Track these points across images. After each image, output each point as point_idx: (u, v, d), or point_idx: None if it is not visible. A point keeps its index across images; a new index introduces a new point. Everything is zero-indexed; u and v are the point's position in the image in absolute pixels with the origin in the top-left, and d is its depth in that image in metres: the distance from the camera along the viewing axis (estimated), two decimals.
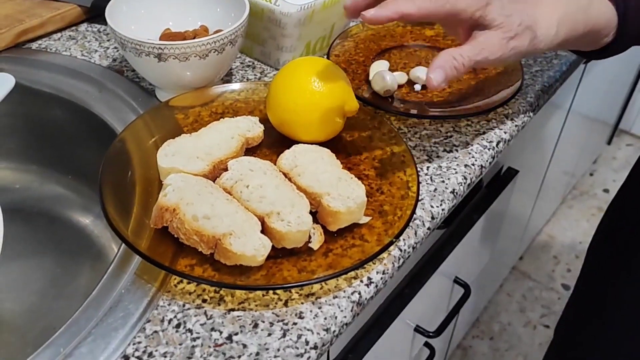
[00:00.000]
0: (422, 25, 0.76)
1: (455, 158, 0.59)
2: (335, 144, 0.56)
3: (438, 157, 0.59)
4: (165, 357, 0.42)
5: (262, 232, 0.46)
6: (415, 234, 0.51)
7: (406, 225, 0.48)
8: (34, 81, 0.66)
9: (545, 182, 1.32)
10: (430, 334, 0.83)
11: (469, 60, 0.48)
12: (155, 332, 0.43)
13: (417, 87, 0.66)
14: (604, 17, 0.53)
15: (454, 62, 0.47)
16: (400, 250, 0.50)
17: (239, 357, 0.42)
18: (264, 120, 0.58)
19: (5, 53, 0.70)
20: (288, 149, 0.54)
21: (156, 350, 0.42)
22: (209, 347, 0.43)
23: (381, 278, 0.48)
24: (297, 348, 0.43)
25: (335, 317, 0.45)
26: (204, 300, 0.45)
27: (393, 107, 0.63)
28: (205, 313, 0.45)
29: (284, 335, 0.43)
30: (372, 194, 0.52)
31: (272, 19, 0.65)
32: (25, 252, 0.65)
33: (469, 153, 0.59)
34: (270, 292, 0.46)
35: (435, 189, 0.55)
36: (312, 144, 0.55)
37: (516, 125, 0.64)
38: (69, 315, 0.44)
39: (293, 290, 0.46)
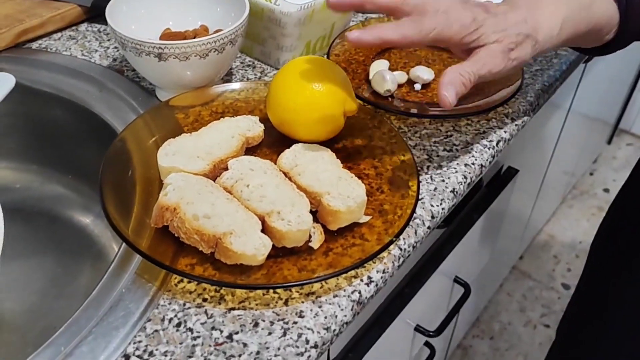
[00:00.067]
0: None
1: (456, 157, 0.59)
2: (335, 144, 0.57)
3: (438, 156, 0.59)
4: (166, 356, 0.42)
5: (263, 231, 0.47)
6: (416, 233, 0.52)
7: (406, 224, 0.48)
8: (34, 81, 0.66)
9: (545, 181, 1.32)
10: (431, 333, 0.83)
11: (474, 75, 0.48)
12: (156, 331, 0.43)
13: (417, 86, 0.66)
14: (606, 15, 0.53)
15: (462, 79, 0.47)
16: (401, 249, 0.50)
17: (240, 356, 0.42)
18: (264, 120, 0.58)
19: (5, 53, 0.70)
20: (288, 148, 0.54)
21: (157, 350, 0.42)
22: (210, 346, 0.43)
23: (381, 277, 0.48)
24: (298, 347, 0.43)
25: (336, 316, 0.45)
26: (205, 300, 0.45)
27: (393, 107, 0.63)
28: (205, 312, 0.45)
29: (284, 334, 0.43)
30: (372, 193, 0.52)
31: (272, 19, 0.65)
32: (25, 252, 0.65)
33: (469, 152, 0.60)
34: (271, 291, 0.46)
35: (435, 188, 0.55)
36: (312, 143, 0.55)
37: (516, 125, 0.64)
38: (69, 314, 0.44)
39: (293, 289, 0.46)
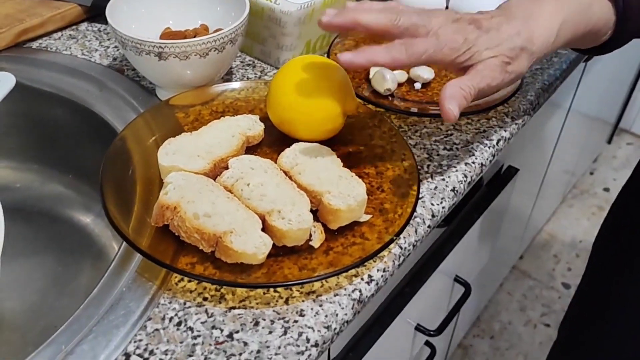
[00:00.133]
0: None
1: (456, 156, 0.59)
2: (335, 143, 0.57)
3: (438, 155, 0.59)
4: (166, 355, 0.42)
5: (263, 230, 0.47)
6: (416, 231, 0.52)
7: (406, 223, 0.48)
8: (34, 80, 0.66)
9: (545, 180, 1.32)
10: (431, 332, 0.83)
11: (474, 88, 0.48)
12: (156, 330, 0.43)
13: (417, 85, 0.66)
14: (604, 17, 0.53)
15: (462, 92, 0.47)
16: (401, 248, 0.50)
17: (240, 355, 0.42)
18: (265, 119, 0.58)
19: (5, 52, 0.70)
20: (288, 147, 0.54)
21: (157, 348, 0.42)
22: (210, 345, 0.43)
23: (382, 276, 0.48)
24: (298, 346, 0.43)
25: (336, 315, 0.45)
26: (205, 299, 0.45)
27: (393, 106, 0.63)
28: (206, 311, 0.45)
29: (284, 333, 0.43)
30: (373, 192, 0.52)
31: (272, 18, 0.65)
32: (26, 251, 0.65)
33: (469, 151, 0.60)
34: (271, 290, 0.46)
35: (436, 187, 0.55)
36: (312, 142, 0.55)
37: (516, 124, 0.64)
38: (70, 314, 0.44)
39: (294, 288, 0.46)
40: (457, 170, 0.57)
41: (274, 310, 0.45)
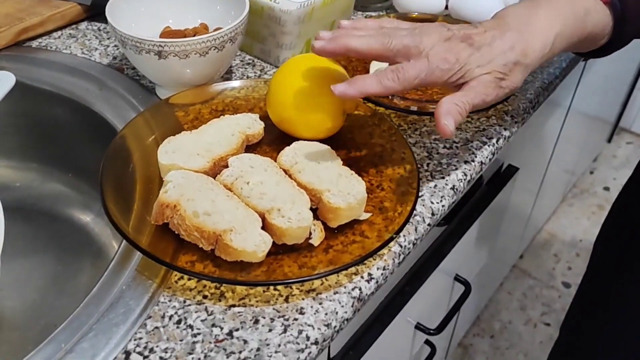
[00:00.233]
0: None
1: (455, 155, 0.59)
2: (335, 141, 0.57)
3: (438, 153, 0.59)
4: (166, 352, 0.42)
5: (263, 228, 0.47)
6: (416, 230, 0.52)
7: (406, 221, 0.48)
8: (34, 79, 0.66)
9: (545, 179, 1.32)
10: (431, 331, 0.83)
11: (468, 104, 0.48)
12: (156, 328, 0.43)
13: None
14: (600, 23, 0.52)
15: (457, 108, 0.47)
16: (401, 246, 0.50)
17: (240, 352, 0.42)
18: (264, 118, 0.58)
19: (5, 51, 0.70)
20: (288, 146, 0.54)
21: (157, 346, 0.42)
22: (210, 342, 0.43)
23: (382, 274, 0.48)
24: (298, 343, 0.43)
25: (336, 313, 0.45)
26: (205, 297, 0.46)
27: (393, 104, 0.63)
28: (206, 309, 0.45)
29: (284, 331, 0.43)
30: (373, 190, 0.52)
31: (272, 17, 0.65)
32: (26, 250, 0.65)
33: (469, 149, 0.60)
34: (271, 288, 0.46)
35: (436, 185, 0.55)
36: (312, 140, 0.55)
37: (516, 122, 0.64)
38: (70, 312, 0.44)
39: (294, 286, 0.46)
40: (456, 169, 0.57)
41: (273, 308, 0.45)
